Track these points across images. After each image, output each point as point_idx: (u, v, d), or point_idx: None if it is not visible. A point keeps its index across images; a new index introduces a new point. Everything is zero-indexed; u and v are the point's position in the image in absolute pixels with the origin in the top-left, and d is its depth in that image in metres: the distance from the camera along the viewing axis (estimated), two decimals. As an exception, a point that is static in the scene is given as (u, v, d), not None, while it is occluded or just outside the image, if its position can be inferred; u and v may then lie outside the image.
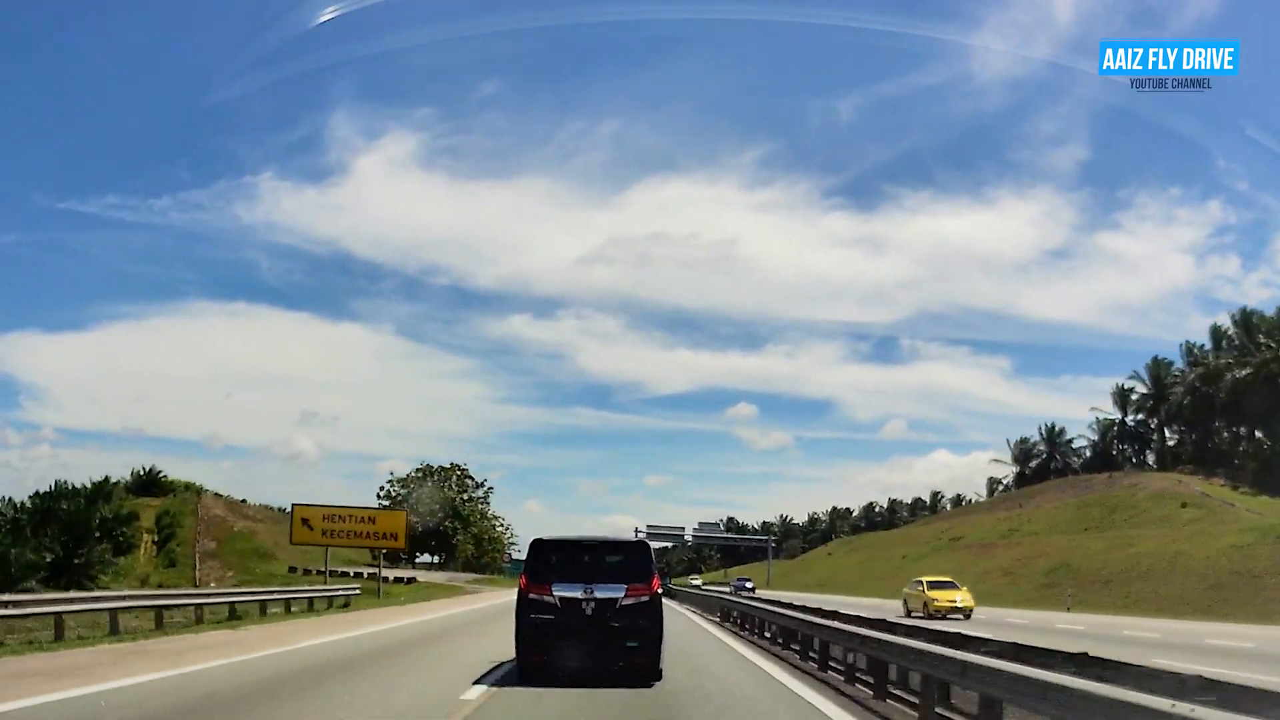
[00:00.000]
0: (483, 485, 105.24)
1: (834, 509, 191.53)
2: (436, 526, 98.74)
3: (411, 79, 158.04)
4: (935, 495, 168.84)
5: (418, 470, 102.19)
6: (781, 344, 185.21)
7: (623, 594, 11.97)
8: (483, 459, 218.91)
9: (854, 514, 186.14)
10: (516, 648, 12.24)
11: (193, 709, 9.80)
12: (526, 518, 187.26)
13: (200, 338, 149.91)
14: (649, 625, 12.03)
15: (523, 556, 13.88)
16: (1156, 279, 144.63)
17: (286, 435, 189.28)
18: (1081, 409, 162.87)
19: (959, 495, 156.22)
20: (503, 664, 13.38)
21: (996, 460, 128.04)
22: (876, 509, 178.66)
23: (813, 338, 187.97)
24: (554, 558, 12.39)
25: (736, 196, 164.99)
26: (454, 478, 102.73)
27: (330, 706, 10.12)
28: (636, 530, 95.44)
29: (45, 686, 10.69)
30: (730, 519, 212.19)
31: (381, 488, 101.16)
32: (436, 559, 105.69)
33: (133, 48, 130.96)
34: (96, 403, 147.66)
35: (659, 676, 12.05)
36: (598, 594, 11.88)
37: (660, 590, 12.60)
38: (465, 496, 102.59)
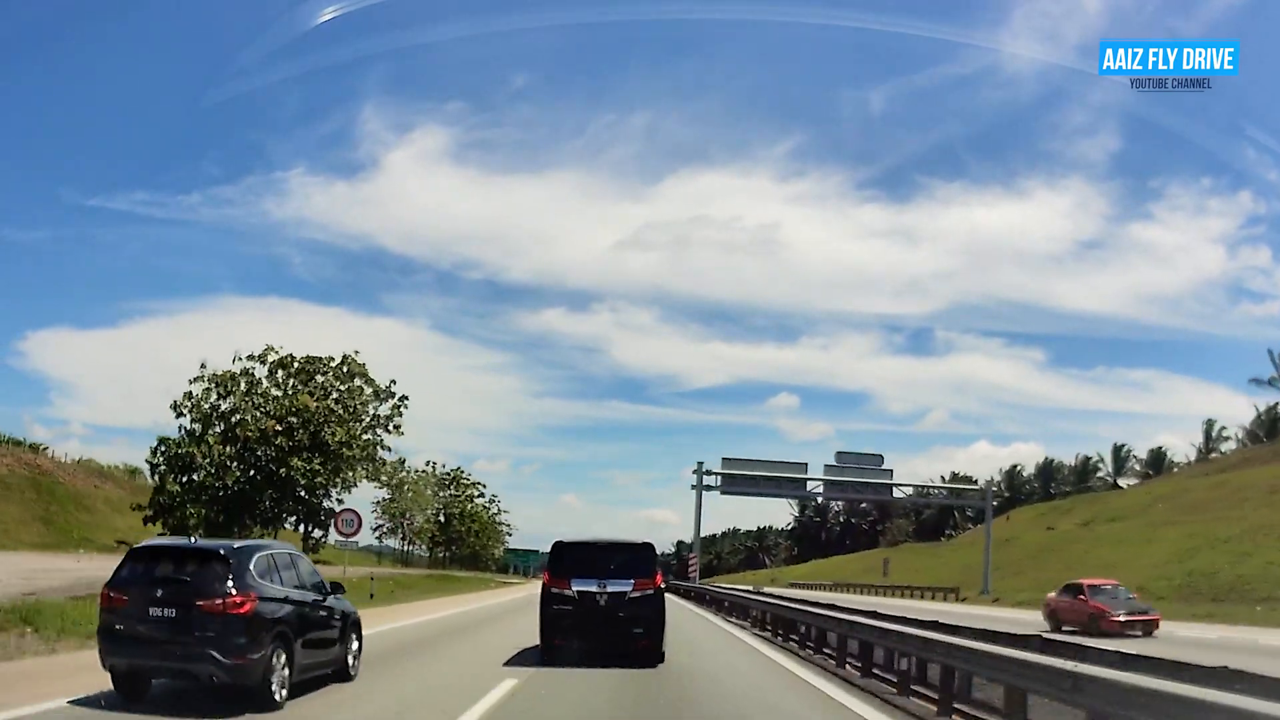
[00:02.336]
0: (391, 394, 52.76)
1: (953, 474, 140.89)
2: (270, 474, 47.23)
3: (441, 72, 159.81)
4: (1120, 449, 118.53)
5: (249, 359, 50.03)
6: (816, 336, 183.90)
7: (631, 588, 13.73)
8: (519, 452, 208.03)
9: (978, 482, 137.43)
10: (540, 633, 14.08)
11: None
12: (564, 511, 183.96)
13: (232, 333, 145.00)
14: (653, 615, 13.81)
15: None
16: (1189, 270, 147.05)
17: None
18: (1115, 400, 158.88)
19: (1159, 449, 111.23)
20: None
21: (1256, 380, 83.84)
22: (1022, 474, 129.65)
23: (847, 329, 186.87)
24: (573, 556, 14.28)
25: (770, 188, 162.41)
26: (313, 373, 50.65)
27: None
28: (702, 467, 43.57)
29: None
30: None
31: (176, 403, 49.11)
32: (316, 528, 53.02)
33: (158, 41, 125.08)
34: (126, 399, 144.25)
35: (662, 659, 13.75)
36: (610, 588, 13.69)
37: (663, 585, 14.43)
38: (339, 409, 50.12)
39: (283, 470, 47.03)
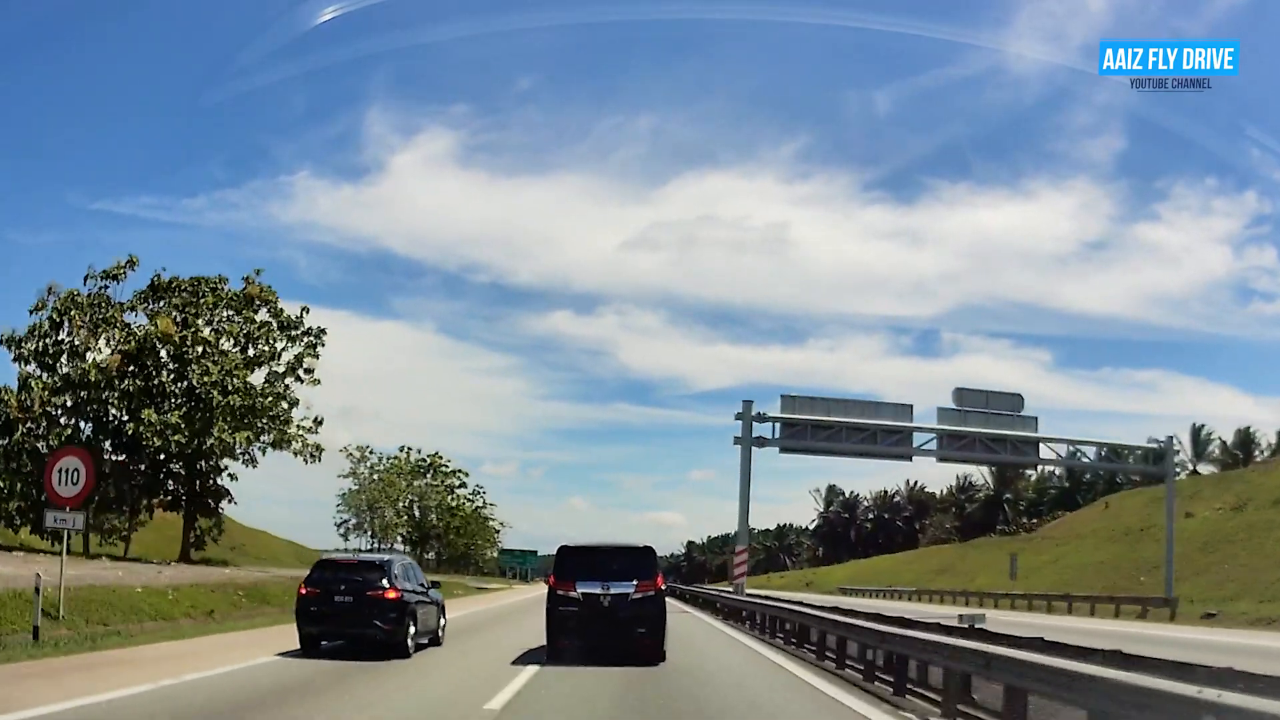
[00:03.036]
0: (305, 330, 38.03)
1: (958, 477, 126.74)
2: (116, 431, 32.55)
3: (446, 74, 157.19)
4: (1199, 430, 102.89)
5: (104, 278, 35.44)
6: (823, 338, 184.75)
7: (633, 589, 14.13)
8: (525, 455, 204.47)
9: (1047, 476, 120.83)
10: (547, 633, 14.45)
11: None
12: (570, 514, 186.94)
13: None
14: (655, 615, 14.18)
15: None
16: (1194, 270, 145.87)
17: (324, 433, 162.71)
18: (1122, 401, 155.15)
19: (1247, 429, 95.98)
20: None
21: None
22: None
23: (854, 331, 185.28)
24: (577, 560, 14.75)
25: (776, 190, 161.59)
26: (198, 296, 35.85)
27: None
28: (750, 410, 28.30)
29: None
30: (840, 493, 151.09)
31: (4, 338, 34.42)
32: (200, 513, 38.22)
33: (162, 43, 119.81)
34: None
35: (663, 657, 14.17)
36: (613, 590, 14.10)
37: (664, 587, 14.97)
38: (228, 343, 35.38)
39: (131, 426, 32.45)
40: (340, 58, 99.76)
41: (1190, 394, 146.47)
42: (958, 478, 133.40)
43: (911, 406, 32.56)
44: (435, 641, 16.41)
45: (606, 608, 13.93)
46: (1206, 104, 51.35)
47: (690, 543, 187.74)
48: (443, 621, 17.19)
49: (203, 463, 35.60)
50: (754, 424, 29.78)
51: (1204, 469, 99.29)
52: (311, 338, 37.43)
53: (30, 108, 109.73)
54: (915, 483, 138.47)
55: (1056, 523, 73.08)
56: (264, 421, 35.39)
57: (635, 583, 14.04)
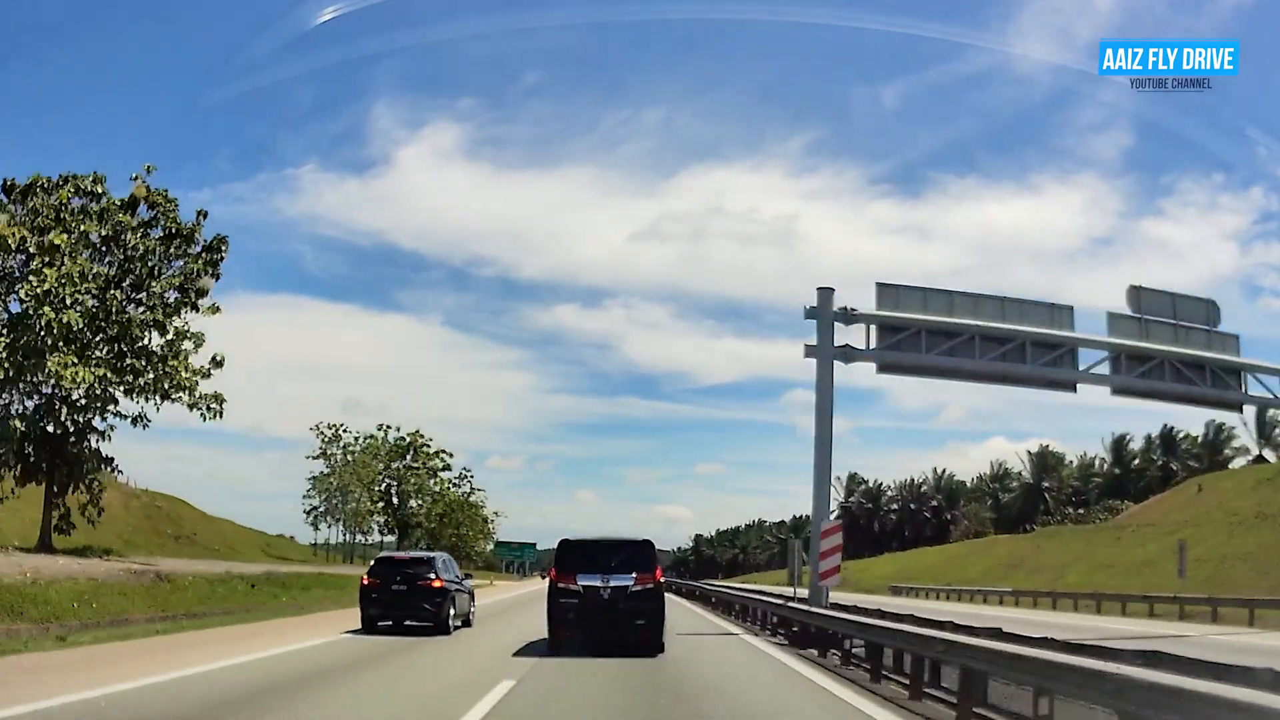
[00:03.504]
0: (202, 242, 27.94)
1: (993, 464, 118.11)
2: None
3: (454, 69, 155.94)
4: (1263, 413, 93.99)
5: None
6: None
7: (632, 582, 14.47)
8: (533, 449, 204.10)
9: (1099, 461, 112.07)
10: (549, 624, 14.90)
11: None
12: (579, 507, 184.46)
13: (244, 330, 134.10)
14: (653, 607, 14.55)
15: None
16: (1201, 266, 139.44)
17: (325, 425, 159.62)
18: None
19: None
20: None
21: None
22: (1130, 445, 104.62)
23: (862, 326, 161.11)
24: (577, 553, 15.06)
25: (783, 184, 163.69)
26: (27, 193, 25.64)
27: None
28: (831, 300, 19.45)
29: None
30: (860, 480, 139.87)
31: None
32: (62, 487, 28.06)
33: (170, 38, 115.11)
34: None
35: (662, 649, 14.53)
36: (613, 582, 14.45)
37: (662, 580, 15.08)
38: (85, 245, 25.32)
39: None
40: (347, 53, 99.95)
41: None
42: (991, 464, 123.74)
43: (1072, 309, 21.28)
44: (467, 623, 20.02)
45: (606, 600, 14.34)
46: (1209, 103, 51.06)
47: (698, 536, 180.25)
48: (472, 607, 20.75)
49: (66, 417, 25.96)
50: (836, 326, 19.60)
51: (1271, 454, 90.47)
52: (209, 253, 27.76)
53: (36, 102, 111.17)
54: (943, 470, 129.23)
55: (1134, 511, 63.26)
56: (140, 362, 25.78)
57: (634, 576, 14.42)
